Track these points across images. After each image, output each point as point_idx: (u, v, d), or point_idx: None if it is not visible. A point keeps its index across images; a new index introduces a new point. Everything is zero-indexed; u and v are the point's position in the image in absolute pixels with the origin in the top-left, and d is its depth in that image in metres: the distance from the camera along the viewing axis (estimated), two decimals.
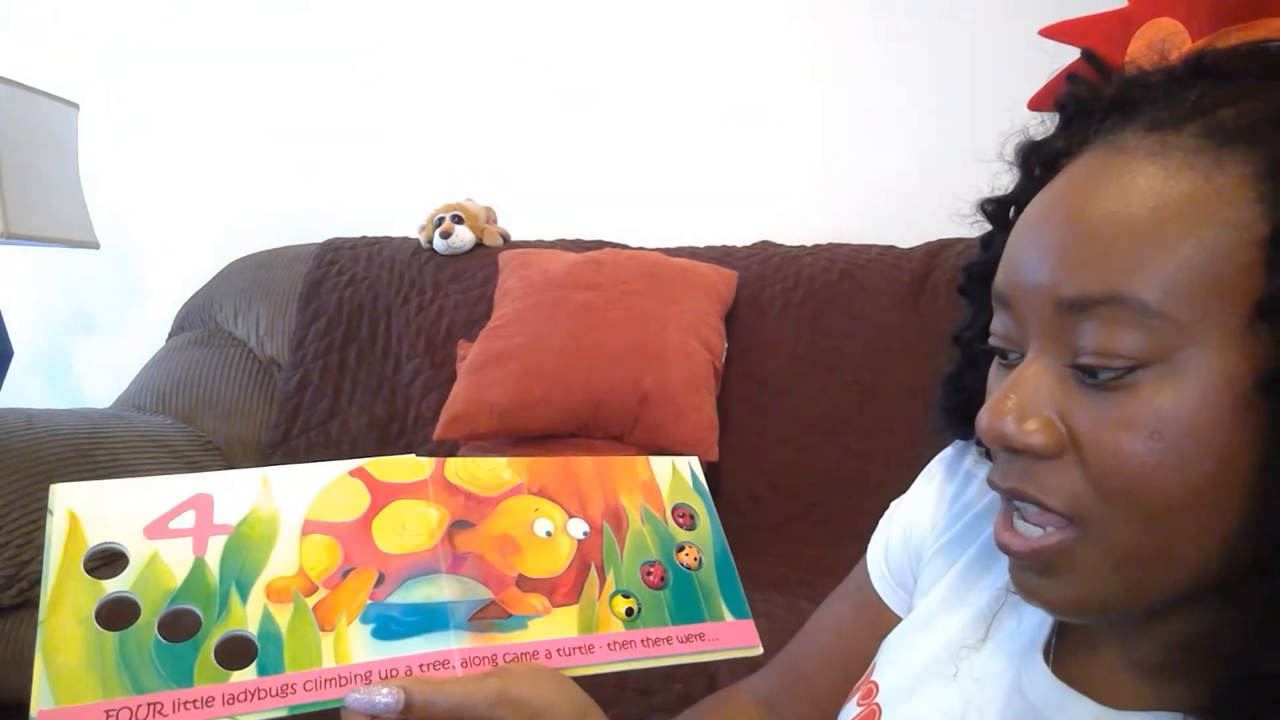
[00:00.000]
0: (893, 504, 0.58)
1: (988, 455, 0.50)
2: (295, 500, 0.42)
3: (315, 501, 0.42)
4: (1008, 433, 0.35)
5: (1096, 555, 0.34)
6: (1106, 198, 0.34)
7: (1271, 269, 0.31)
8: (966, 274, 0.48)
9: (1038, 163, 0.41)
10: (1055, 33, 0.43)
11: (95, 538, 0.37)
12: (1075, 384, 0.34)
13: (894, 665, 0.50)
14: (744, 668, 0.48)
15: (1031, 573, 0.36)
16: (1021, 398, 0.35)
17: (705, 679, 1.07)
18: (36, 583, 1.18)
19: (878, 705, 0.48)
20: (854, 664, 0.53)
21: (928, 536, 0.54)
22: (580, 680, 0.43)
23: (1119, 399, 0.32)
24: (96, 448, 1.29)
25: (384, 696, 0.36)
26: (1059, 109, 0.41)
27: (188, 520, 0.39)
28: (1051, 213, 0.36)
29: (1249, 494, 0.32)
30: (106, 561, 0.38)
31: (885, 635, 0.53)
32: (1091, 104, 0.39)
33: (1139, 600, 0.35)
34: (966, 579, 0.49)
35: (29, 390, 2.07)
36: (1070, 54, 0.42)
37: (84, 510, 0.38)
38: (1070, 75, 0.41)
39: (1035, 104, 0.44)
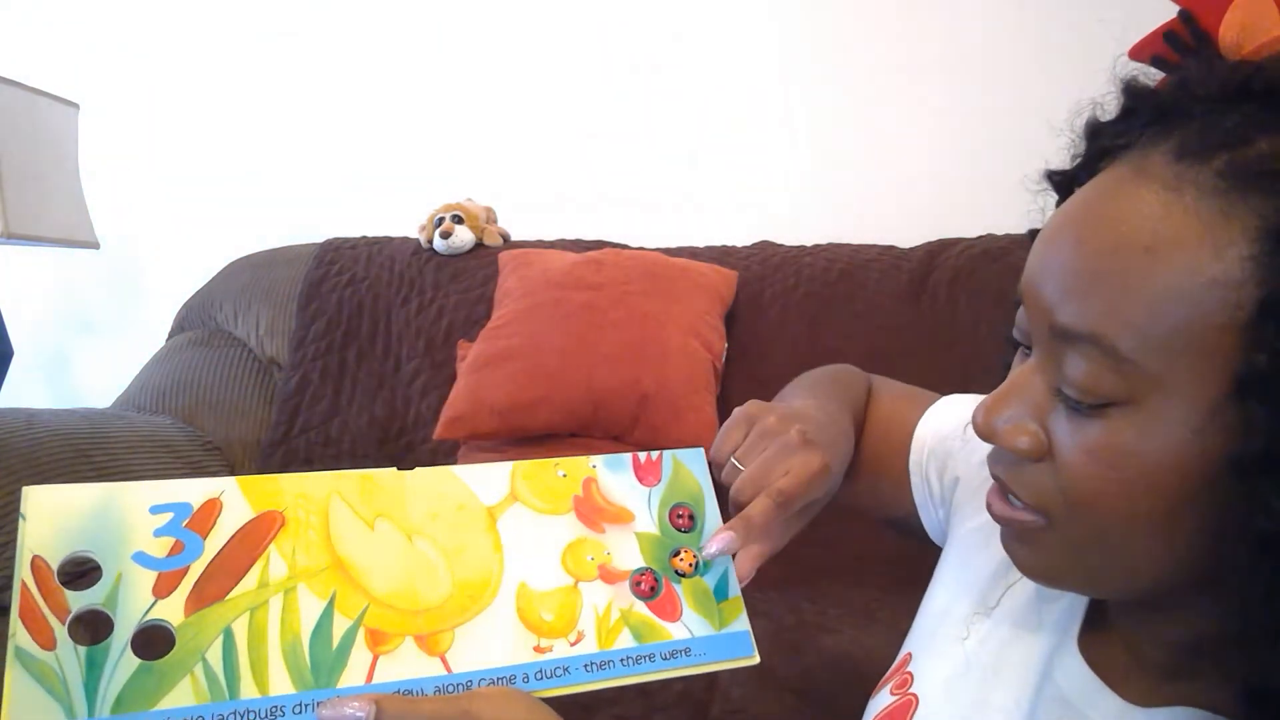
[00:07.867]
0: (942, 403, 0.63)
1: None
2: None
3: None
4: (999, 433, 0.38)
5: (1057, 543, 0.38)
6: (1110, 226, 0.34)
7: (1251, 344, 0.31)
8: None
9: (1094, 146, 0.40)
10: None
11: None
12: (1060, 401, 0.36)
13: (928, 655, 0.50)
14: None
15: (1011, 538, 0.41)
16: (1015, 405, 0.38)
17: (705, 677, 1.07)
18: None
19: (914, 695, 0.48)
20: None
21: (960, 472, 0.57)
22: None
23: (1091, 426, 0.35)
24: (96, 448, 1.29)
25: (354, 710, 0.37)
26: (1124, 94, 0.40)
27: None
28: (1064, 231, 0.37)
29: (1205, 535, 0.33)
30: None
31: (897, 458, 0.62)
32: (1146, 101, 0.38)
33: (1098, 589, 0.40)
34: (992, 580, 0.50)
35: (29, 390, 2.06)
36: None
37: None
38: (1156, 55, 0.43)
39: (1135, 54, 0.45)
